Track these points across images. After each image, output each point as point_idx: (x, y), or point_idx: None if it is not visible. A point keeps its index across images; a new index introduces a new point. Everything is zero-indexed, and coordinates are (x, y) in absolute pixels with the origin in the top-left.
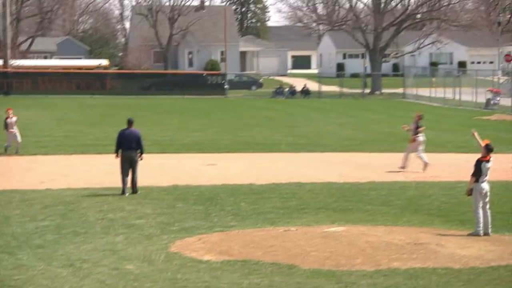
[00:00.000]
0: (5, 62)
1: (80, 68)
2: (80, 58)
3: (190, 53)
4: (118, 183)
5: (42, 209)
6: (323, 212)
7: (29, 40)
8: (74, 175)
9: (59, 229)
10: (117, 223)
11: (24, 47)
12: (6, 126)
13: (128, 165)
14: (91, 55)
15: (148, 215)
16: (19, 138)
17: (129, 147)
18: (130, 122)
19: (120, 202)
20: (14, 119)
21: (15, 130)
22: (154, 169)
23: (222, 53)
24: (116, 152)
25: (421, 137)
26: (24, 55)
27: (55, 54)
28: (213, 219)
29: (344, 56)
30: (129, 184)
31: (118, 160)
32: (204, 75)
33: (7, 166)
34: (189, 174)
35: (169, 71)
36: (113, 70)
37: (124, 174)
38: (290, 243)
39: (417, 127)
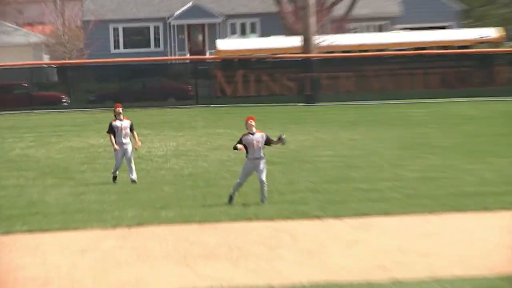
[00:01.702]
0: (305, 40)
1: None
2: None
3: None
4: None
5: None
6: None
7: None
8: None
9: None
10: None
11: (339, 11)
12: (115, 133)
13: None
14: None
15: None
16: (129, 153)
17: None
18: None
19: None
20: (126, 123)
21: (128, 141)
22: None
23: None
24: None
25: None
26: (341, 25)
27: (399, 21)
28: None
29: None
30: None
31: None
32: None
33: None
34: None
35: None
36: None
37: None
38: None
39: None
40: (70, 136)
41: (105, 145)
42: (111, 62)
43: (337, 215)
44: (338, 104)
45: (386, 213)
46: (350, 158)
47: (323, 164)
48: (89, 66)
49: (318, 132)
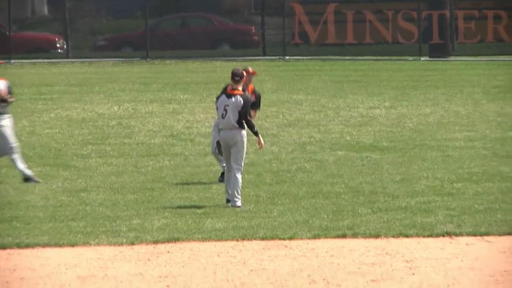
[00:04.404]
0: None
1: None
2: None
3: None
4: None
5: None
6: None
7: None
8: None
9: None
10: None
11: None
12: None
13: None
14: None
15: None
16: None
17: None
18: None
19: None
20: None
21: None
22: None
23: None
24: None
25: None
26: None
27: None
28: None
29: None
30: None
31: None
32: None
33: None
34: None
35: None
36: None
37: None
38: None
39: None
40: (66, 102)
41: (121, 116)
42: None
43: (478, 232)
44: (483, 59)
45: None
46: (500, 143)
47: (457, 151)
48: None
49: (449, 102)
